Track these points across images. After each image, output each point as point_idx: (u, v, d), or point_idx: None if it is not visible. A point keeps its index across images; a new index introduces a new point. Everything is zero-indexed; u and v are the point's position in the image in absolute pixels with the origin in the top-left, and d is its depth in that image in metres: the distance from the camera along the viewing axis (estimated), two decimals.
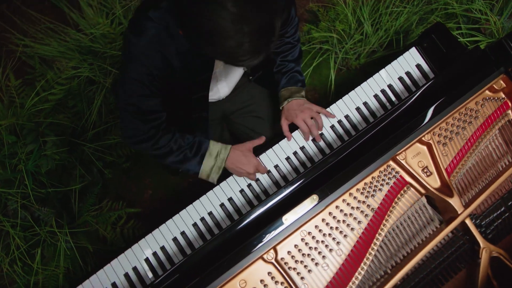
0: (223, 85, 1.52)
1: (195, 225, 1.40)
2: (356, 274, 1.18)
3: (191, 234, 1.39)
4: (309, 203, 1.16)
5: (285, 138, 1.43)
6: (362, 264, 1.19)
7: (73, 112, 1.87)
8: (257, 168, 1.37)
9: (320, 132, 1.41)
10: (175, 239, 1.39)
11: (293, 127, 1.44)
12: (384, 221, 1.21)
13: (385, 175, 1.22)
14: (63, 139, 1.77)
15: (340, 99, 1.44)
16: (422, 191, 1.20)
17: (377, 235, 1.20)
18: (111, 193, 2.05)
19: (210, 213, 1.40)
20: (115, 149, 1.94)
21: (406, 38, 1.99)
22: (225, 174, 1.54)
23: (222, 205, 1.41)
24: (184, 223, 1.40)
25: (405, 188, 1.21)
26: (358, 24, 2.02)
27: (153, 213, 2.08)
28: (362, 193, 1.22)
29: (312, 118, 1.40)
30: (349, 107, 1.43)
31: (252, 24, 0.90)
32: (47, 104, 1.82)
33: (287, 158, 1.42)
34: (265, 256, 1.18)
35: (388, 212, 1.21)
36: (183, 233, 1.39)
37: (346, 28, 1.98)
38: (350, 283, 1.18)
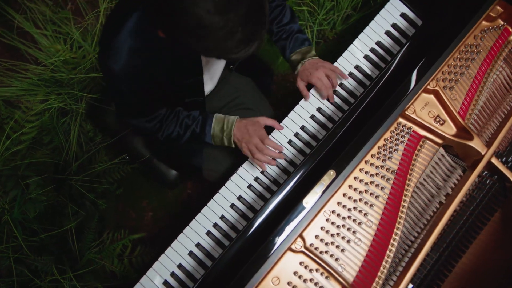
0: (207, 80, 1.45)
1: (209, 233, 1.32)
2: (391, 241, 1.12)
3: (207, 243, 1.31)
4: (327, 179, 1.10)
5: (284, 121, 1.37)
6: (395, 229, 1.13)
7: (51, 148, 1.76)
8: (265, 140, 1.29)
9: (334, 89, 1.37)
10: (191, 253, 1.30)
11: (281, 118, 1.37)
12: (407, 181, 1.16)
13: (397, 134, 1.17)
14: (46, 177, 1.66)
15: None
16: (439, 141, 1.15)
17: (403, 196, 1.15)
18: (110, 224, 1.95)
19: (222, 217, 1.33)
20: (104, 176, 1.84)
21: None
22: (228, 174, 1.47)
23: (232, 205, 1.33)
24: (197, 234, 1.32)
25: (421, 142, 1.16)
26: None
27: (158, 234, 1.99)
28: (378, 157, 1.17)
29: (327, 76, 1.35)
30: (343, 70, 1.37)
31: (240, 8, 0.83)
32: (21, 145, 1.71)
33: (296, 135, 1.35)
34: (293, 246, 1.11)
35: (409, 171, 1.16)
36: (198, 245, 1.31)
37: None
38: (387, 252, 1.12)
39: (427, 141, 1.16)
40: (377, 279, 1.11)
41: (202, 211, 1.33)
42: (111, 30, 1.09)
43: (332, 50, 2.08)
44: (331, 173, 1.10)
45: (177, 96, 1.33)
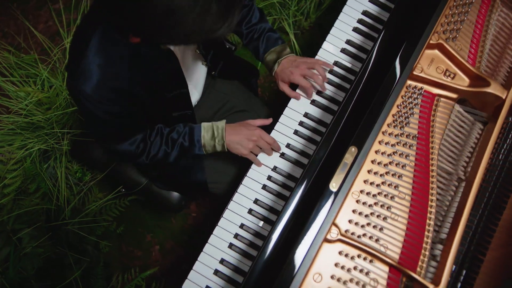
0: (192, 90, 1.40)
1: (231, 246, 1.23)
2: (429, 208, 1.07)
3: (232, 258, 1.22)
4: (350, 157, 1.04)
5: (283, 114, 1.31)
6: (429, 196, 1.08)
7: (39, 196, 1.65)
8: (261, 135, 1.24)
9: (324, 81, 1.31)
10: (217, 272, 1.21)
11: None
12: (430, 144, 1.11)
13: (409, 97, 1.13)
14: (39, 227, 1.54)
15: (320, 49, 1.34)
16: (454, 96, 1.11)
17: (430, 160, 1.10)
18: (117, 267, 1.83)
19: (242, 226, 1.24)
20: (101, 214, 1.73)
21: None
22: (234, 182, 1.39)
23: (250, 211, 1.25)
24: (219, 249, 1.23)
25: (435, 101, 1.13)
26: None
27: (172, 266, 1.87)
28: (395, 126, 1.12)
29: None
30: (333, 52, 1.33)
31: None
32: (5, 199, 1.59)
33: (301, 123, 1.29)
34: (328, 237, 1.03)
35: (430, 133, 1.11)
36: (222, 261, 1.22)
37: None
38: (427, 221, 1.06)
39: (441, 99, 1.12)
40: (423, 250, 1.04)
41: (218, 223, 1.25)
42: (76, 53, 1.02)
43: (312, 40, 2.06)
44: (353, 149, 1.04)
45: (162, 112, 1.25)
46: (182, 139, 1.25)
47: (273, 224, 1.11)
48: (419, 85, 1.12)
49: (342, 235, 1.04)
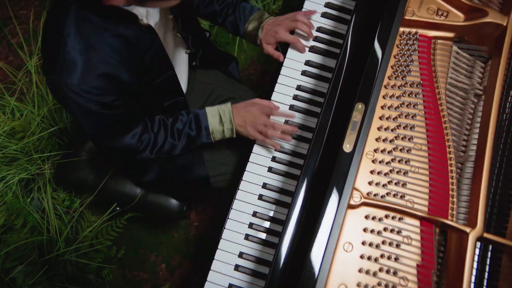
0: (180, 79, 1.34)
1: (248, 237, 1.16)
2: (448, 155, 1.03)
3: (252, 249, 1.15)
4: (358, 114, 0.99)
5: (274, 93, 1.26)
6: (446, 142, 1.04)
7: (28, 230, 1.54)
8: (271, 108, 1.18)
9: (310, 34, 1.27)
10: (238, 267, 1.14)
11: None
12: (436, 89, 1.08)
13: (405, 45, 1.10)
14: (32, 262, 1.43)
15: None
16: (451, 35, 1.09)
17: (439, 106, 1.06)
18: None
19: (255, 214, 1.17)
20: (97, 237, 1.63)
21: None
22: (237, 172, 1.33)
23: (261, 196, 1.18)
24: (235, 243, 1.16)
25: (433, 45, 1.10)
26: None
27: (183, 281, 1.78)
28: (396, 77, 1.09)
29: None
30: (313, 18, 1.29)
31: None
32: None
33: (295, 97, 1.24)
34: (351, 202, 0.98)
35: (434, 78, 1.08)
36: (241, 255, 1.14)
37: None
38: (449, 167, 1.02)
39: (438, 41, 1.10)
40: (451, 197, 1.00)
41: (229, 216, 1.18)
42: (52, 44, 0.96)
43: None
44: (359, 106, 1.00)
45: (154, 101, 1.19)
46: (188, 128, 1.19)
47: (289, 204, 1.04)
48: (413, 30, 1.10)
49: (365, 197, 0.99)
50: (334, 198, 0.95)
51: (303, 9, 1.31)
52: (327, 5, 1.31)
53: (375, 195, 1.00)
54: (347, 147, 0.98)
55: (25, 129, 1.64)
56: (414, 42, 1.09)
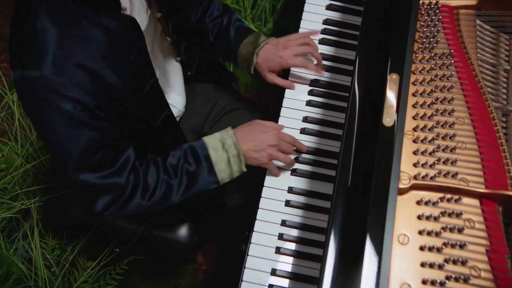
0: (172, 95, 1.25)
1: (278, 250, 1.02)
2: (492, 122, 0.97)
3: (287, 264, 1.01)
4: (394, 84, 0.92)
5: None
6: (488, 110, 0.97)
7: (12, 282, 1.35)
8: (280, 136, 1.05)
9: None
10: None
11: None
12: (467, 60, 1.02)
13: (427, 17, 1.07)
14: None
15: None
16: (473, 2, 1.06)
17: (474, 76, 1.01)
18: None
19: (284, 222, 1.05)
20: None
21: None
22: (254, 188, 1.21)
23: (284, 222, 1.05)
24: (266, 259, 1.02)
25: (455, 14, 1.06)
26: None
27: None
28: (423, 50, 1.03)
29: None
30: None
31: None
32: None
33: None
34: (401, 187, 0.88)
35: (462, 48, 1.03)
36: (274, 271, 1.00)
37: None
38: (496, 134, 0.95)
39: (461, 10, 1.06)
40: (506, 166, 0.91)
41: (254, 228, 1.04)
42: (21, 34, 0.83)
43: None
44: (394, 76, 0.92)
45: (144, 118, 1.04)
46: (184, 162, 1.01)
47: (330, 208, 0.90)
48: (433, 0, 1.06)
49: (414, 180, 0.89)
50: (382, 188, 0.83)
51: (300, 29, 1.24)
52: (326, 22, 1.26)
53: (424, 176, 0.90)
54: (387, 120, 0.89)
55: (5, 167, 1.50)
56: (436, 14, 1.06)
